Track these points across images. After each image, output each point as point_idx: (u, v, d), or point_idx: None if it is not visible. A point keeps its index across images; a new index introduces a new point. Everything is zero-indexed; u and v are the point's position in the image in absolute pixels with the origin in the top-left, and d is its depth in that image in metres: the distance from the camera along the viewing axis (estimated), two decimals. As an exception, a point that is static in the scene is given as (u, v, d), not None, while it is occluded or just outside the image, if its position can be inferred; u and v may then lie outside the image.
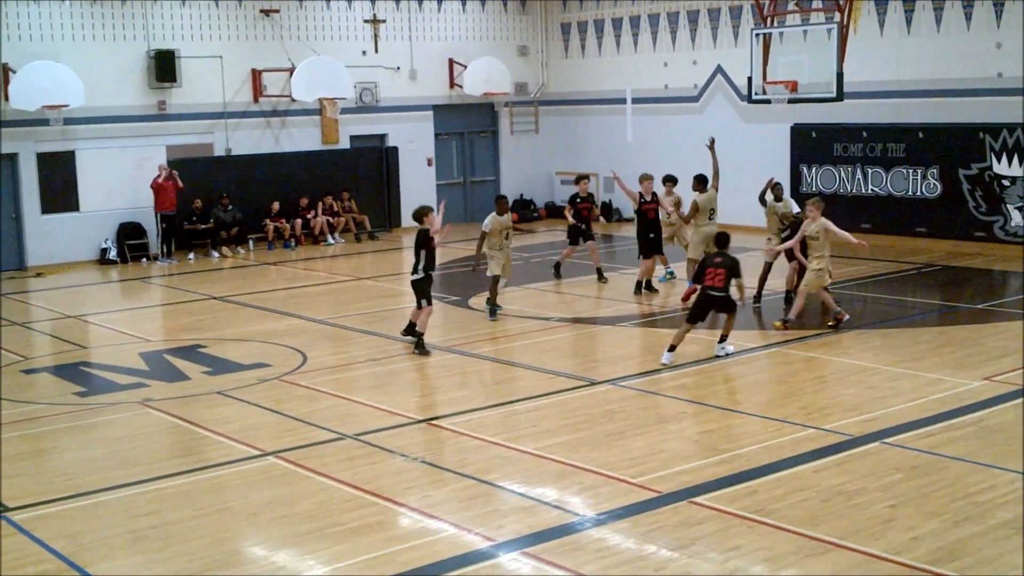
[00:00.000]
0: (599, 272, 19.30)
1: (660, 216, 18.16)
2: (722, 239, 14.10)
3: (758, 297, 16.94)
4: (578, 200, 19.33)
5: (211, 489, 9.69)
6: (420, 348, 14.42)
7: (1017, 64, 21.13)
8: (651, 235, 17.91)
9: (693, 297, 14.23)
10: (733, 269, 13.57)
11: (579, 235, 19.21)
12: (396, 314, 17.78)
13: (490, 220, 16.38)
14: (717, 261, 13.67)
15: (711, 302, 13.68)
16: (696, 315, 13.75)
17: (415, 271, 14.56)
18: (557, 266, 19.83)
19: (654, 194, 18.00)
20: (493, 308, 16.57)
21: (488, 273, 16.50)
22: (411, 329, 14.84)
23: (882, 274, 19.34)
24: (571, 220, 19.22)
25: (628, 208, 28.06)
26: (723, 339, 13.87)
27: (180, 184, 23.25)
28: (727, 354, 13.77)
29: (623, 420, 11.33)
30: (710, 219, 17.48)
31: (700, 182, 17.69)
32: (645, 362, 13.86)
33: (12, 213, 23.02)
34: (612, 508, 8.86)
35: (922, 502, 8.77)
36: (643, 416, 11.52)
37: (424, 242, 14.39)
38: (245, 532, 8.80)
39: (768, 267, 17.14)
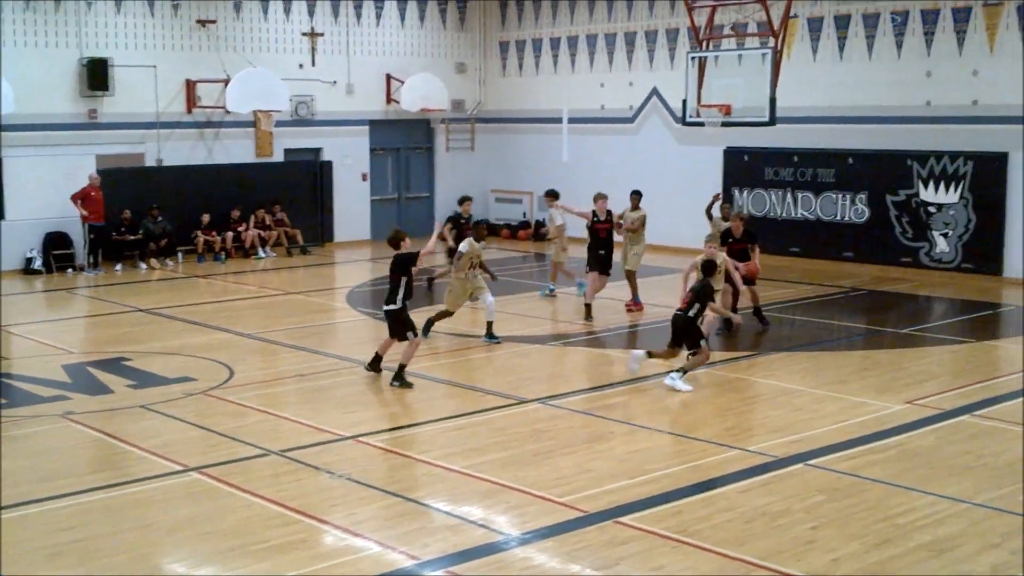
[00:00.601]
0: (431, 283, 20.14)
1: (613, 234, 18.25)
2: (709, 266, 13.83)
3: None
4: (461, 220, 19.62)
5: (133, 504, 9.54)
6: (402, 380, 13.38)
7: (943, 93, 21.56)
8: (601, 252, 17.99)
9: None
10: (699, 294, 13.32)
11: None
12: (326, 330, 17.73)
13: (467, 245, 15.86)
14: (694, 285, 13.62)
15: (674, 322, 13.46)
16: (674, 338, 13.52)
17: (392, 301, 13.46)
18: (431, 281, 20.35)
19: (608, 212, 18.11)
20: (428, 328, 16.01)
21: (444, 305, 16.08)
22: (377, 363, 13.91)
23: (810, 297, 19.61)
24: (450, 242, 19.34)
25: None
26: (681, 371, 13.30)
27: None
28: (674, 387, 13.18)
29: (551, 439, 11.34)
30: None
31: (638, 197, 18.33)
32: (575, 381, 13.90)
33: (-65, 220, 22.57)
34: (538, 527, 8.86)
35: (843, 524, 8.87)
36: (571, 435, 11.55)
37: (406, 269, 13.43)
38: (167, 548, 8.67)
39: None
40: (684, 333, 13.39)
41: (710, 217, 18.18)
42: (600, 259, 17.98)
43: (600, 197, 18.22)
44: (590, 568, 8.07)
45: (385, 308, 13.68)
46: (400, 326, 13.51)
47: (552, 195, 19.67)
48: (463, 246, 15.94)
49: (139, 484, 10.03)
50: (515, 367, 14.86)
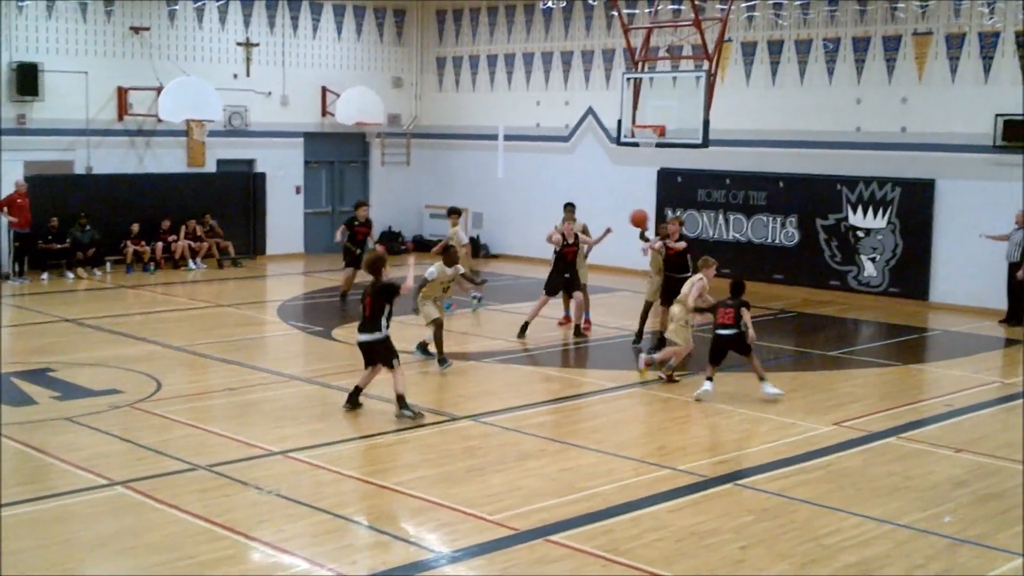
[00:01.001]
0: (344, 296, 20.07)
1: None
2: (738, 287, 14.14)
3: (639, 337, 17.15)
4: (355, 223, 20.00)
5: (56, 519, 9.34)
6: (409, 409, 12.59)
7: (873, 120, 21.94)
8: (567, 275, 17.88)
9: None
10: (740, 308, 13.76)
11: (355, 259, 19.76)
12: (256, 343, 17.55)
13: (436, 269, 15.31)
14: (728, 301, 13.86)
15: (722, 341, 13.77)
16: (715, 356, 13.81)
17: (376, 329, 12.67)
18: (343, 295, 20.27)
19: (576, 235, 18.01)
20: (442, 358, 15.23)
21: (426, 320, 15.37)
22: (356, 397, 13.01)
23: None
24: (340, 239, 20.03)
25: (496, 244, 28.26)
26: (762, 379, 13.81)
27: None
28: (774, 394, 13.69)
29: (483, 456, 11.32)
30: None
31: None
32: (506, 398, 13.88)
33: None
34: (468, 545, 8.82)
35: (772, 544, 8.94)
36: (503, 453, 11.53)
37: (390, 296, 12.73)
38: (89, 564, 8.50)
39: (648, 306, 17.38)
40: (736, 347, 13.71)
41: (645, 240, 17.87)
42: (565, 282, 17.90)
43: (569, 219, 18.13)
44: (520, 587, 8.06)
45: (366, 339, 12.74)
46: (388, 353, 12.68)
47: (456, 212, 20.04)
48: (429, 272, 15.28)
49: (63, 498, 9.83)
50: (448, 384, 14.81)
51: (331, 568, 8.33)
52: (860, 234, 22.04)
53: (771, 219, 23.21)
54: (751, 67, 23.74)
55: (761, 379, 13.82)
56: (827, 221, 22.45)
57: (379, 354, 12.76)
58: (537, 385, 14.99)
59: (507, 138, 28.31)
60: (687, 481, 10.54)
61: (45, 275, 23.07)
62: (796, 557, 8.66)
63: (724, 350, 13.83)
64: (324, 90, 28.30)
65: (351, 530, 9.20)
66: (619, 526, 9.29)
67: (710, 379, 13.74)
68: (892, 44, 21.78)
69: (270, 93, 27.44)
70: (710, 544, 8.91)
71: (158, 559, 8.45)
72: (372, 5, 29.18)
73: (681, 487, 10.36)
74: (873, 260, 21.89)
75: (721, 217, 23.99)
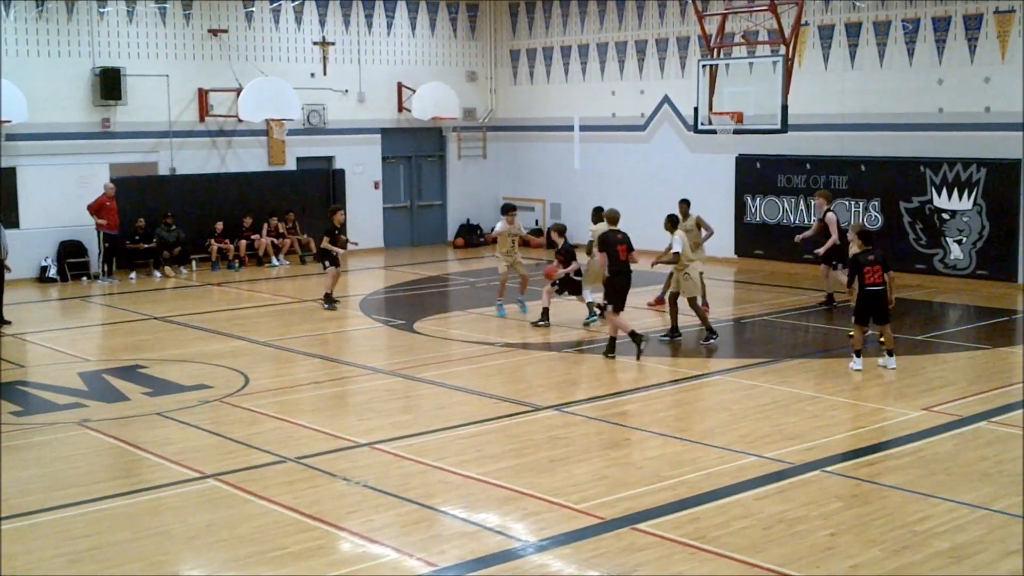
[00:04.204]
0: (328, 297, 19.72)
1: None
2: (869, 235, 14.62)
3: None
4: (336, 232, 19.65)
5: (150, 512, 9.54)
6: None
7: (955, 100, 21.54)
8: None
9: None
10: (886, 263, 14.21)
11: (336, 258, 19.51)
12: (340, 337, 17.73)
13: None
14: (871, 259, 14.15)
15: (873, 299, 14.10)
16: (864, 316, 14.22)
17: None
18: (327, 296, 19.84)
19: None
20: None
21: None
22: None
23: (823, 304, 19.53)
24: (331, 247, 19.51)
25: (575, 235, 28.20)
26: (890, 352, 14.35)
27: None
28: (891, 369, 14.28)
29: (566, 446, 11.33)
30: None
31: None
32: (588, 388, 13.88)
33: (-50, 229, 22.64)
34: (555, 534, 8.84)
35: (862, 531, 8.84)
36: (586, 442, 11.53)
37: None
38: (184, 556, 8.68)
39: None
40: (881, 308, 14.16)
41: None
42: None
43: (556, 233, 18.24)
44: (608, 574, 8.06)
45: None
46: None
47: (511, 209, 19.12)
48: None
49: (156, 491, 10.04)
50: (530, 374, 14.86)
51: (420, 558, 8.40)
52: (945, 216, 21.64)
53: (853, 203, 22.88)
54: (829, 50, 23.42)
55: (889, 352, 14.30)
56: (911, 204, 22.08)
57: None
58: (618, 374, 14.95)
59: (583, 129, 28.26)
60: (773, 468, 10.45)
61: (133, 274, 23.58)
62: (887, 543, 8.55)
63: (874, 310, 14.15)
64: (400, 86, 28.49)
65: (438, 520, 9.27)
66: (706, 514, 9.25)
67: (859, 353, 14.24)
68: (973, 23, 21.34)
69: (347, 91, 27.69)
70: (799, 531, 8.83)
71: (250, 550, 8.59)
72: (446, 0, 29.30)
73: (767, 474, 10.28)
74: (959, 242, 21.48)
75: (802, 203, 23.71)
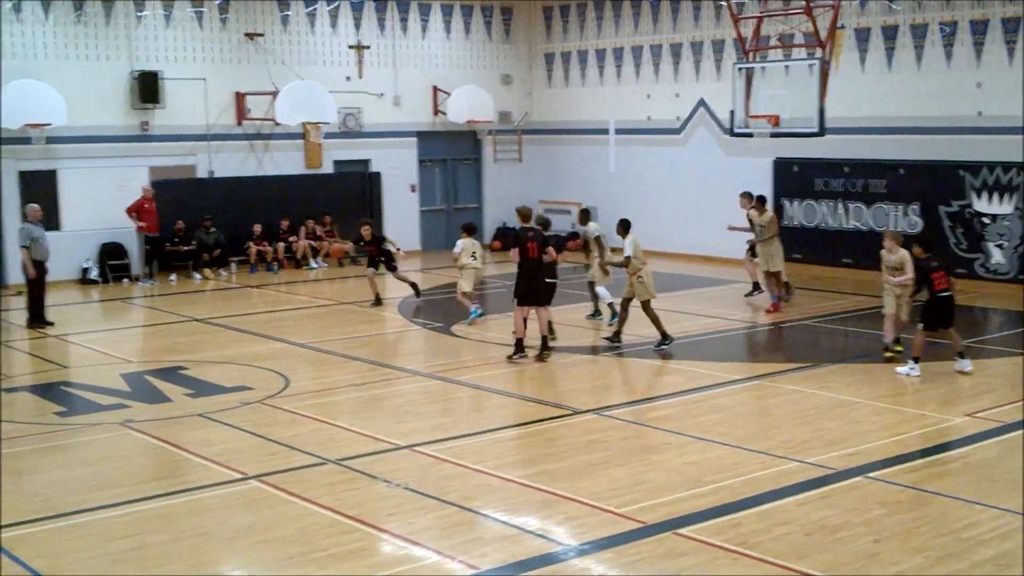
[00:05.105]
0: (378, 298, 20.29)
1: None
2: (928, 242, 14.78)
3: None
4: (362, 243, 20.61)
5: (191, 512, 9.61)
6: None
7: (995, 103, 21.34)
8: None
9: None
10: (950, 269, 14.38)
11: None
12: (378, 340, 17.78)
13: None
14: (935, 264, 14.26)
15: (942, 304, 14.28)
16: (934, 322, 14.35)
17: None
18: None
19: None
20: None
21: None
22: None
23: (863, 309, 19.40)
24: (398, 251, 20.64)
25: (611, 238, 28.20)
26: (961, 355, 14.45)
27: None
28: (968, 371, 14.35)
29: (606, 450, 11.32)
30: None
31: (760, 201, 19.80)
32: (628, 392, 13.85)
33: (-8, 231, 22.92)
34: (596, 538, 8.83)
35: (906, 537, 8.77)
36: (626, 446, 11.51)
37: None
38: (225, 557, 8.73)
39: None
40: (950, 313, 14.38)
41: (751, 222, 19.70)
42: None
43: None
44: (651, 579, 8.05)
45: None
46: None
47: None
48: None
49: (197, 492, 10.11)
50: (569, 377, 14.84)
51: (461, 560, 8.41)
52: (986, 220, 21.44)
53: (892, 207, 22.71)
54: (865, 53, 23.26)
55: (961, 354, 14.37)
56: (951, 208, 21.90)
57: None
58: (658, 378, 14.94)
59: (618, 132, 28.22)
60: (815, 474, 10.39)
61: (173, 277, 23.76)
62: (932, 551, 8.48)
63: (943, 315, 14.28)
64: (435, 89, 28.54)
65: (479, 523, 9.28)
66: (747, 519, 9.21)
67: (917, 359, 14.28)
68: (1011, 26, 21.13)
69: (382, 94, 27.78)
70: (841, 538, 8.78)
71: (292, 551, 8.63)
72: (480, 4, 29.34)
73: (809, 480, 10.22)
74: (1000, 247, 21.27)
75: (840, 206, 23.56)
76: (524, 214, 15.93)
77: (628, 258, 16.20)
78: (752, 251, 20.17)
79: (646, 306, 16.32)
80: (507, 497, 9.92)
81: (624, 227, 16.63)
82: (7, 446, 11.65)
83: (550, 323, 15.87)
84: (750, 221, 19.85)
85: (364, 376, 14.76)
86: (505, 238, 29.28)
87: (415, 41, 28.34)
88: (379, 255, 20.61)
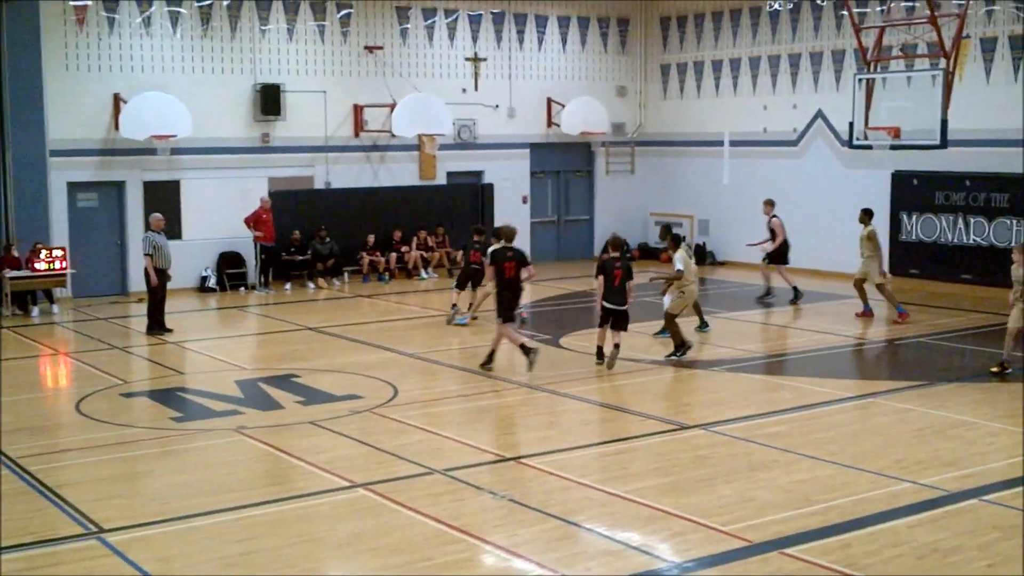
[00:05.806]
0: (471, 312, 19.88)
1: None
2: None
3: None
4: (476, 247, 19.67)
5: (300, 519, 9.78)
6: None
7: None
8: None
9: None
10: None
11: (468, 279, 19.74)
12: (485, 351, 17.79)
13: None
14: None
15: None
16: None
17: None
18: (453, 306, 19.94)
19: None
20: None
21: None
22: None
23: (982, 326, 18.91)
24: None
25: (723, 252, 27.95)
26: None
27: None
28: None
29: (713, 466, 11.21)
30: None
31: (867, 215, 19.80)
32: (736, 407, 13.70)
33: (117, 239, 23.62)
34: (701, 555, 8.76)
35: (1022, 564, 8.51)
36: (733, 463, 11.38)
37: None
38: (333, 563, 8.87)
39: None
40: None
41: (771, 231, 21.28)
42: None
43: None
44: (754, 599, 7.95)
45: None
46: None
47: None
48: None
49: (307, 499, 10.28)
50: (676, 392, 14.75)
51: (564, 574, 8.41)
52: (1115, 236, 20.72)
53: (1015, 222, 22.06)
54: (991, 64, 22.67)
55: None
56: (1077, 223, 21.22)
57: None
58: (768, 394, 14.74)
59: (733, 144, 27.96)
60: (928, 496, 10.15)
61: (288, 285, 24.24)
62: (1049, 578, 8.24)
63: None
64: (549, 101, 28.63)
65: (583, 537, 9.26)
66: (856, 541, 9.03)
67: None
68: None
69: (497, 106, 27.97)
70: (954, 562, 8.56)
71: (398, 560, 8.72)
72: (596, 15, 29.36)
73: (921, 501, 9.99)
74: None
75: (961, 220, 22.98)
76: (508, 235, 15.86)
77: (680, 271, 16.42)
78: (768, 259, 21.58)
79: (670, 316, 16.61)
80: (611, 512, 9.88)
81: (676, 242, 16.84)
82: (125, 450, 12.02)
83: (617, 346, 15.82)
84: (771, 230, 21.10)
85: (471, 387, 14.86)
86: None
87: (531, 53, 28.48)
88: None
